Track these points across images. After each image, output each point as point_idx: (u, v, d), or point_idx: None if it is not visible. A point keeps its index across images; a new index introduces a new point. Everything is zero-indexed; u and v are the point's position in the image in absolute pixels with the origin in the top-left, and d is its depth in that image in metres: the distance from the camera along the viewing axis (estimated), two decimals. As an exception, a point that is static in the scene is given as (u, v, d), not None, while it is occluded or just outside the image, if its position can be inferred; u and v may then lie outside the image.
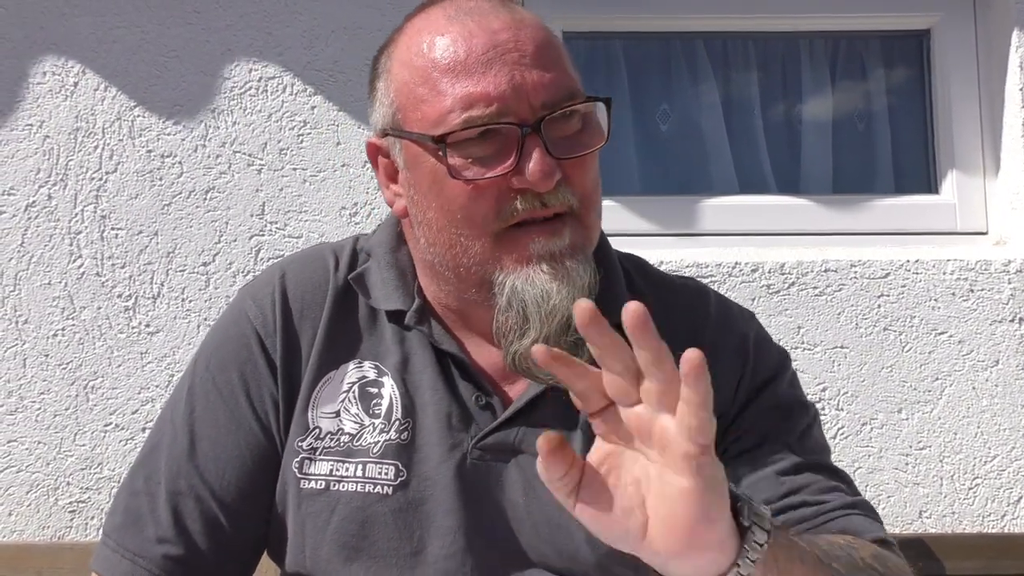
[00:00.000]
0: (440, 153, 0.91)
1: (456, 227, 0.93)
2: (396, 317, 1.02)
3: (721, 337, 1.05)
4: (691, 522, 0.68)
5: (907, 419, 1.86)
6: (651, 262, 1.15)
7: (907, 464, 1.85)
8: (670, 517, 0.69)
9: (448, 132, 0.90)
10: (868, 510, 1.01)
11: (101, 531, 1.04)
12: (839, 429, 1.86)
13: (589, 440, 0.97)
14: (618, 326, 0.99)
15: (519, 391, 1.00)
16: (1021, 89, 1.94)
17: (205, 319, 1.86)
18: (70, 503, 1.83)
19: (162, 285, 1.87)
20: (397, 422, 0.99)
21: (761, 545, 0.71)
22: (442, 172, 0.92)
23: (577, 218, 0.94)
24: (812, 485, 0.99)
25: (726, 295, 1.14)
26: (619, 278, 1.05)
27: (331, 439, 1.00)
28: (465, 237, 0.93)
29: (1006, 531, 1.84)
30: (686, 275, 1.15)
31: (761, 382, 1.04)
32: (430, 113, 0.92)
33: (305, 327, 1.03)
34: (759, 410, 1.03)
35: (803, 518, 0.97)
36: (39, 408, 1.84)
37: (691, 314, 1.06)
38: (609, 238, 1.08)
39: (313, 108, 1.91)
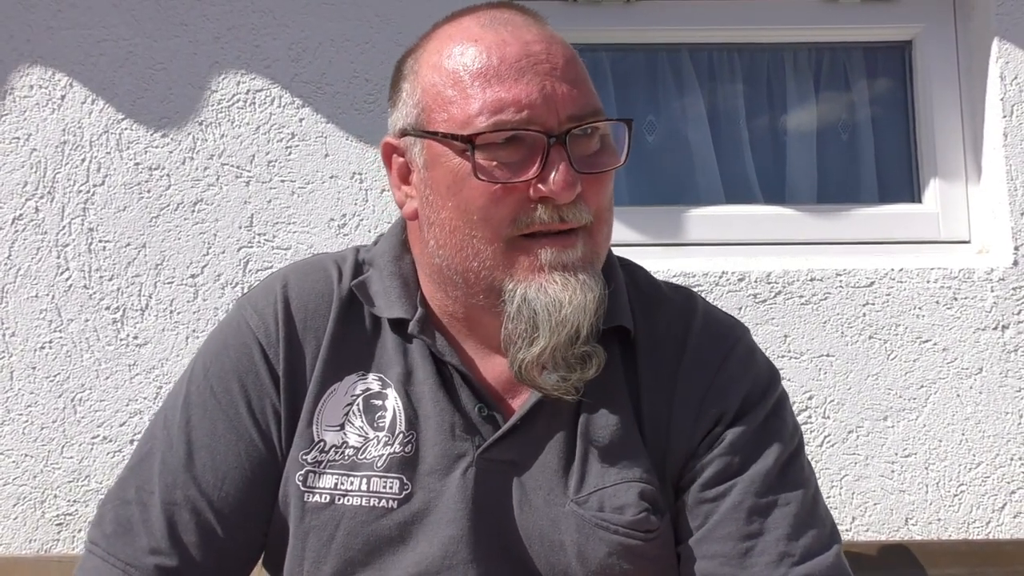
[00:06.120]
0: (467, 152, 0.92)
1: (471, 228, 0.94)
2: (399, 327, 1.02)
3: (700, 354, 1.03)
4: None
5: (892, 427, 1.87)
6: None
7: (893, 471, 1.87)
8: None
9: (477, 133, 0.91)
10: None
11: (86, 540, 1.03)
12: (825, 437, 1.87)
13: (587, 451, 0.98)
14: (617, 330, 1.01)
15: (521, 403, 1.00)
16: (1002, 99, 1.96)
17: (193, 331, 1.85)
18: (57, 516, 1.82)
19: (150, 297, 1.87)
20: (401, 435, 0.99)
21: None
22: (464, 172, 0.92)
23: (589, 233, 0.96)
24: (763, 554, 0.94)
25: (714, 304, 1.13)
26: (621, 287, 1.05)
27: (336, 452, 0.99)
28: (478, 240, 0.94)
29: (991, 537, 1.85)
30: (678, 284, 1.13)
31: (733, 415, 1.00)
32: (457, 115, 0.93)
33: (309, 338, 1.02)
34: (725, 447, 0.99)
35: None
36: (26, 421, 1.84)
37: (675, 331, 1.05)
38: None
39: (301, 120, 1.92)
